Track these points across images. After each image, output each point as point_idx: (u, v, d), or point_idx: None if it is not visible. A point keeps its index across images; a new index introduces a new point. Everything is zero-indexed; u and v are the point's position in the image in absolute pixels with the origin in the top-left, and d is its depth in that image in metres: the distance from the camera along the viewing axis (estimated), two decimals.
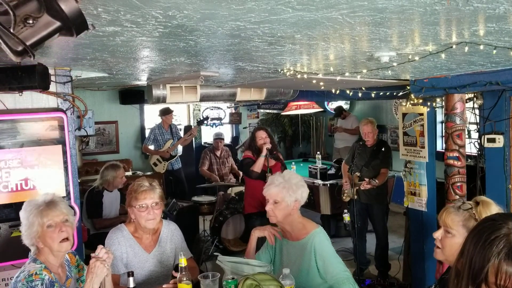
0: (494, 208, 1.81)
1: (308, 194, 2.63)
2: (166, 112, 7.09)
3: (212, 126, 8.25)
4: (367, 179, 4.63)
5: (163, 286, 2.43)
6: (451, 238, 1.83)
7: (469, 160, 4.11)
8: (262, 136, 4.63)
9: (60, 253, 2.17)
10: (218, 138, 7.17)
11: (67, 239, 2.16)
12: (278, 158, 4.74)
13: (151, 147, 7.15)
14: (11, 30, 1.08)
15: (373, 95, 4.14)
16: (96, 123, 6.77)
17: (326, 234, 2.55)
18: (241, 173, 6.51)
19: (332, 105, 8.84)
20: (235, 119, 9.31)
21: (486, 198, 1.88)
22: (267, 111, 9.29)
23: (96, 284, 2.07)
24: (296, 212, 2.55)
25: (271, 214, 2.53)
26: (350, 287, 2.33)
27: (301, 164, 7.87)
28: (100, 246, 2.16)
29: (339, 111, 8.37)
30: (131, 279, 2.19)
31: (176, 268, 2.38)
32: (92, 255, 2.12)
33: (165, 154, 6.99)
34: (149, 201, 2.56)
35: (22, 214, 2.16)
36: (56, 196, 2.25)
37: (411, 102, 3.88)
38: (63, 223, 2.16)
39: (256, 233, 2.70)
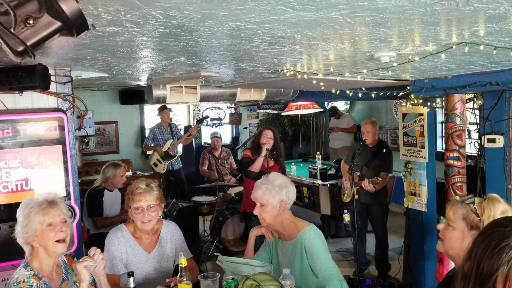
0: (500, 206, 1.78)
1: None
2: (162, 108, 7.10)
3: (212, 126, 8.25)
4: (368, 179, 4.62)
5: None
6: (451, 231, 1.84)
7: (469, 161, 4.10)
8: (267, 135, 4.60)
9: (54, 253, 2.16)
10: (214, 136, 7.19)
11: (63, 240, 2.14)
12: (278, 160, 4.72)
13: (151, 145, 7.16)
14: (12, 30, 1.08)
15: (373, 95, 4.14)
16: (96, 123, 6.78)
17: (318, 231, 2.55)
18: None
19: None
20: (235, 119, 9.31)
21: (496, 195, 1.86)
22: (267, 111, 9.30)
23: (85, 284, 2.09)
24: (284, 212, 2.55)
25: (260, 217, 2.56)
26: (337, 284, 2.33)
27: (301, 165, 7.87)
28: (93, 248, 2.16)
29: (334, 111, 8.40)
30: (131, 279, 2.18)
31: (176, 268, 2.37)
32: (89, 255, 2.13)
33: (162, 152, 6.98)
34: (144, 204, 2.56)
35: (20, 212, 2.13)
36: (57, 196, 2.24)
37: (411, 102, 3.88)
38: (63, 223, 2.15)
39: (253, 232, 2.71)
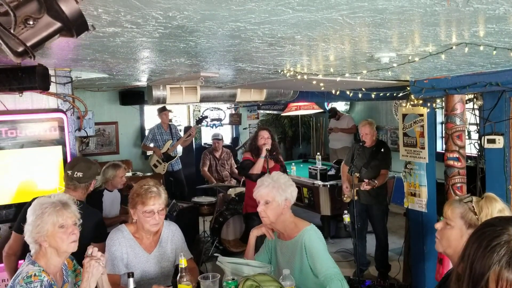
0: (497, 205, 1.78)
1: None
2: (162, 109, 7.10)
3: (212, 127, 8.26)
4: (366, 180, 4.64)
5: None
6: (449, 229, 1.84)
7: (469, 161, 4.11)
8: (264, 135, 4.63)
9: (66, 253, 2.16)
10: (216, 138, 7.22)
11: (74, 240, 2.15)
12: (278, 160, 4.74)
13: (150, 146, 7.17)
14: (12, 31, 1.08)
15: (373, 96, 4.15)
16: (96, 123, 6.77)
17: (318, 232, 2.55)
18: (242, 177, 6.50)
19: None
20: (235, 120, 9.31)
21: (493, 194, 1.86)
22: (267, 112, 9.29)
23: (93, 283, 2.07)
24: (287, 211, 2.56)
25: (263, 215, 2.54)
26: (338, 283, 2.32)
27: (301, 165, 7.87)
28: (91, 246, 2.15)
29: (334, 112, 8.42)
30: (131, 280, 2.18)
31: (176, 269, 2.37)
32: (88, 253, 2.12)
33: (160, 154, 6.98)
34: (156, 207, 2.57)
35: (31, 211, 2.11)
36: (70, 198, 2.23)
37: (411, 103, 3.88)
38: (74, 225, 2.14)
39: (254, 233, 2.70)
